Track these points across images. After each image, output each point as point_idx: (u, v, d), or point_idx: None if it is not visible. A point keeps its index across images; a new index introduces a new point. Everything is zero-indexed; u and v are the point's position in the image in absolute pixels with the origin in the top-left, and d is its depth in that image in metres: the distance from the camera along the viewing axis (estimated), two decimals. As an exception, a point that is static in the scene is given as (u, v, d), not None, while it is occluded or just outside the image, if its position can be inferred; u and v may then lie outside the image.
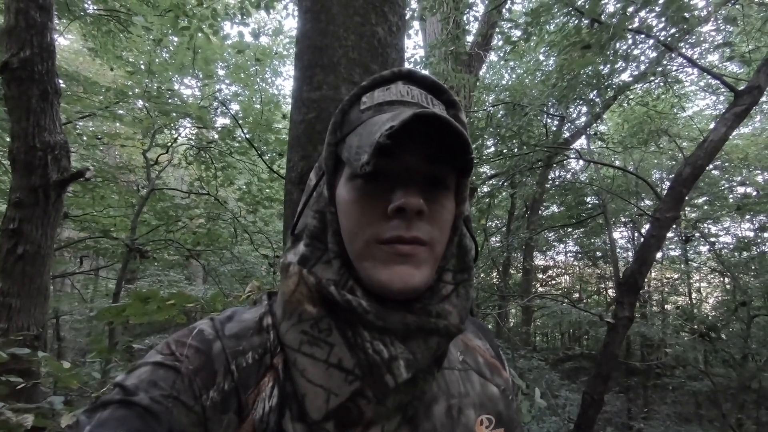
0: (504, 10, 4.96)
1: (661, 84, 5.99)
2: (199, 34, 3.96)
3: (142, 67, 6.04)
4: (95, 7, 5.53)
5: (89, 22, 5.67)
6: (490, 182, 5.84)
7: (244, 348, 0.46)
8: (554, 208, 8.67)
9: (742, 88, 2.99)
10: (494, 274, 7.76)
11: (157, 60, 5.94)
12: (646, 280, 5.39)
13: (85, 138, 5.94)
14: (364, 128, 0.44)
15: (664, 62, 4.53)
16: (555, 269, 10.69)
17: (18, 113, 3.06)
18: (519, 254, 7.94)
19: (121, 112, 5.84)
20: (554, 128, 6.38)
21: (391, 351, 0.43)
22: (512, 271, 8.85)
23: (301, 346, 0.44)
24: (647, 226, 4.83)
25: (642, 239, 4.13)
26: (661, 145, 7.17)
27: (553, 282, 10.55)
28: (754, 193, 6.82)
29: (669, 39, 3.02)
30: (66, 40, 9.44)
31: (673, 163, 7.57)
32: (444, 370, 0.53)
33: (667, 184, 7.14)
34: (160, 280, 7.24)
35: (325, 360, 0.43)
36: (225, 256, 7.00)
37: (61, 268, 6.57)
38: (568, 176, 7.21)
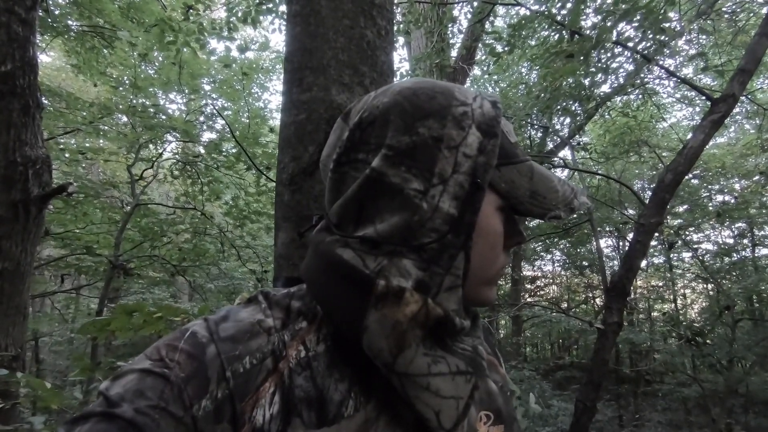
0: (487, 24, 5.08)
1: (640, 95, 6.18)
2: (185, 49, 3.96)
3: (127, 82, 6.01)
4: (78, 24, 5.50)
5: (72, 38, 5.64)
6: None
7: (241, 352, 0.43)
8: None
9: (718, 96, 3.10)
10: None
11: (142, 75, 5.91)
12: (632, 287, 5.46)
13: (67, 154, 5.85)
14: (534, 174, 0.49)
15: (642, 74, 4.67)
16: (543, 279, 10.77)
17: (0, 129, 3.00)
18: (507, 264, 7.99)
19: (104, 127, 5.78)
20: (538, 140, 6.50)
21: (470, 343, 0.49)
22: (501, 282, 8.87)
23: (431, 368, 0.43)
24: (632, 234, 4.91)
25: (627, 246, 4.20)
26: (642, 155, 7.34)
27: (542, 292, 10.62)
28: (732, 201, 7.01)
29: (647, 51, 3.12)
30: (48, 57, 9.36)
31: (654, 172, 7.76)
32: None
33: (649, 192, 7.30)
34: (144, 298, 7.08)
35: (449, 372, 0.44)
36: (211, 272, 6.90)
37: (41, 288, 6.39)
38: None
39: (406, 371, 0.43)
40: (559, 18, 3.04)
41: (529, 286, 10.07)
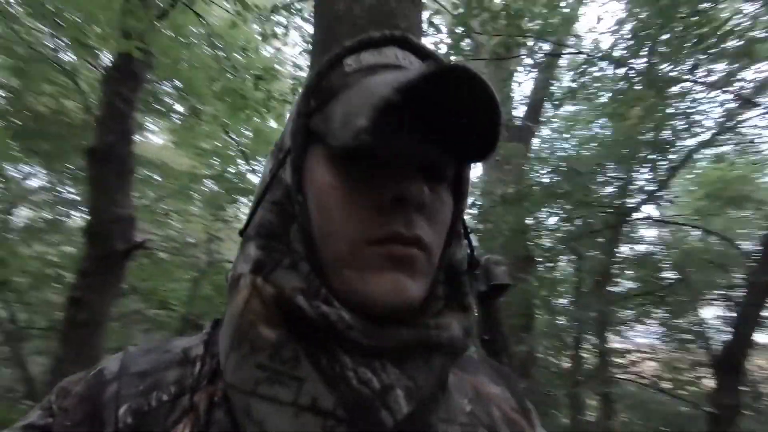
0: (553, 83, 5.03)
1: (736, 144, 5.55)
2: (257, 119, 4.36)
3: (216, 160, 6.70)
4: (179, 107, 6.35)
5: (174, 119, 6.53)
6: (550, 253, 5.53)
7: (147, 387, 0.36)
8: (629, 284, 7.94)
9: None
10: (564, 356, 7.04)
11: (228, 152, 6.58)
12: (750, 364, 4.54)
13: (163, 218, 6.53)
14: (356, 92, 0.35)
15: (734, 122, 4.18)
16: (637, 353, 9.51)
17: (97, 191, 3.40)
18: (591, 336, 7.23)
19: (192, 193, 6.45)
20: (616, 194, 6.03)
21: (384, 378, 0.33)
22: (585, 355, 7.96)
23: (258, 387, 0.32)
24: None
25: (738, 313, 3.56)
26: (745, 212, 6.46)
27: (636, 368, 9.32)
28: None
29: (742, 90, 2.82)
30: (157, 138, 10.88)
31: (764, 231, 6.75)
32: (440, 423, 0.37)
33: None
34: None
35: (293, 402, 0.31)
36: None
37: (125, 342, 6.85)
38: (641, 248, 6.65)
39: (229, 381, 0.34)
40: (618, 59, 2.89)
41: (620, 360, 8.90)
